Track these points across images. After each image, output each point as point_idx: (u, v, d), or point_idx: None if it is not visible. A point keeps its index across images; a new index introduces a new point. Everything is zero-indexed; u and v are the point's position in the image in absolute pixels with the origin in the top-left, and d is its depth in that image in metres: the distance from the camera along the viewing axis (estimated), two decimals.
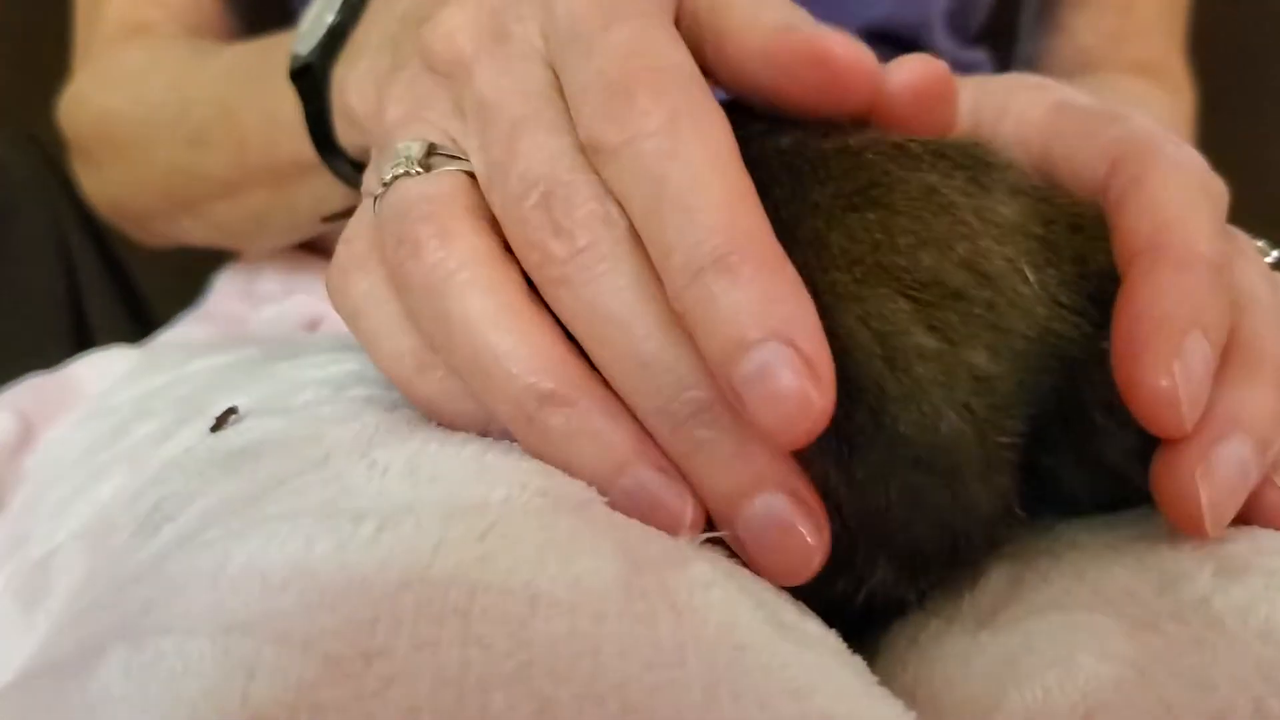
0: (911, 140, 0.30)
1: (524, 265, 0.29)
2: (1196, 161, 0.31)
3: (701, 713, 0.22)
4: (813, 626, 0.27)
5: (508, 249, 0.29)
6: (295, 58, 0.44)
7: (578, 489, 0.27)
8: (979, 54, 0.69)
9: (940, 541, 0.27)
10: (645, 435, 0.28)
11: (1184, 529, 0.28)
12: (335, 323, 0.56)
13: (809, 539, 0.27)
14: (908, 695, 0.27)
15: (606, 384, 0.28)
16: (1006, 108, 0.34)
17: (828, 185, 0.29)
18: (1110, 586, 0.29)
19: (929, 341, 0.27)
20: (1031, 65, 0.70)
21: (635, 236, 0.27)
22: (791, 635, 0.25)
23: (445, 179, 0.30)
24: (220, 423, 0.35)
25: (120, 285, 0.72)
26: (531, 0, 0.31)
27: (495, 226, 0.30)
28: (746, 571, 0.27)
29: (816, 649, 0.26)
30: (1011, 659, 0.27)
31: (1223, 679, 0.25)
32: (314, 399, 0.35)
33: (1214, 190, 0.31)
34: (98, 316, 0.70)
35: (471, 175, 0.30)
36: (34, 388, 0.50)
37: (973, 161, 0.30)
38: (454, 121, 0.31)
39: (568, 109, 0.29)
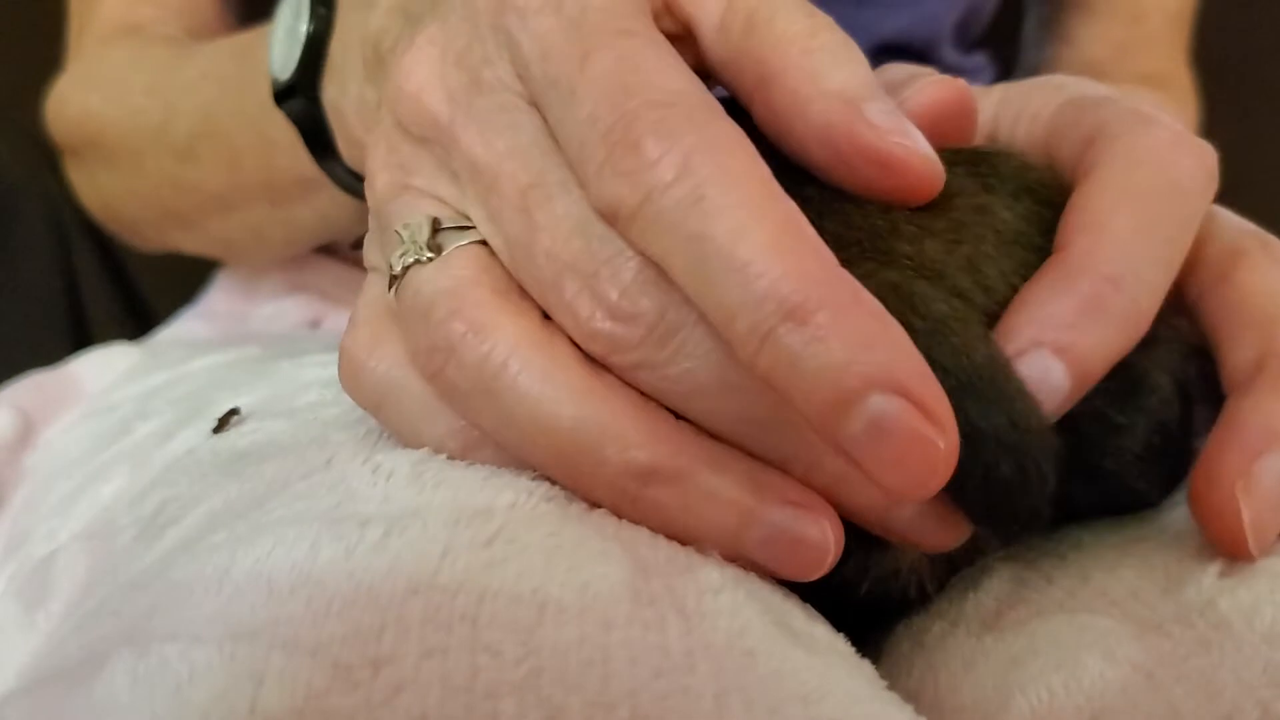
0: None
1: (588, 352, 0.26)
2: (1161, 148, 0.29)
3: None
4: (821, 631, 0.27)
5: (546, 315, 0.27)
6: (276, 81, 0.42)
7: None
8: (979, 59, 0.69)
9: (1011, 467, 0.26)
10: (763, 470, 0.26)
11: (1225, 549, 0.27)
12: (337, 321, 0.56)
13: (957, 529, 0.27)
14: (912, 698, 0.27)
15: (701, 433, 0.26)
16: (1022, 111, 0.33)
17: (827, 183, 0.28)
18: (1115, 588, 0.28)
19: (939, 294, 0.26)
20: (1035, 75, 0.69)
21: None
22: (801, 640, 0.25)
23: (459, 261, 0.27)
24: (223, 424, 0.35)
25: (120, 282, 0.71)
26: (494, 34, 0.28)
27: (526, 295, 0.27)
28: (755, 576, 0.27)
29: (826, 654, 0.26)
30: (1016, 662, 0.27)
31: (1229, 683, 0.25)
32: (317, 400, 0.35)
33: (1181, 181, 0.29)
34: (97, 314, 0.69)
35: (484, 242, 0.28)
36: (34, 385, 0.50)
37: (977, 159, 0.30)
38: (444, 185, 0.29)
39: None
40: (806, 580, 0.26)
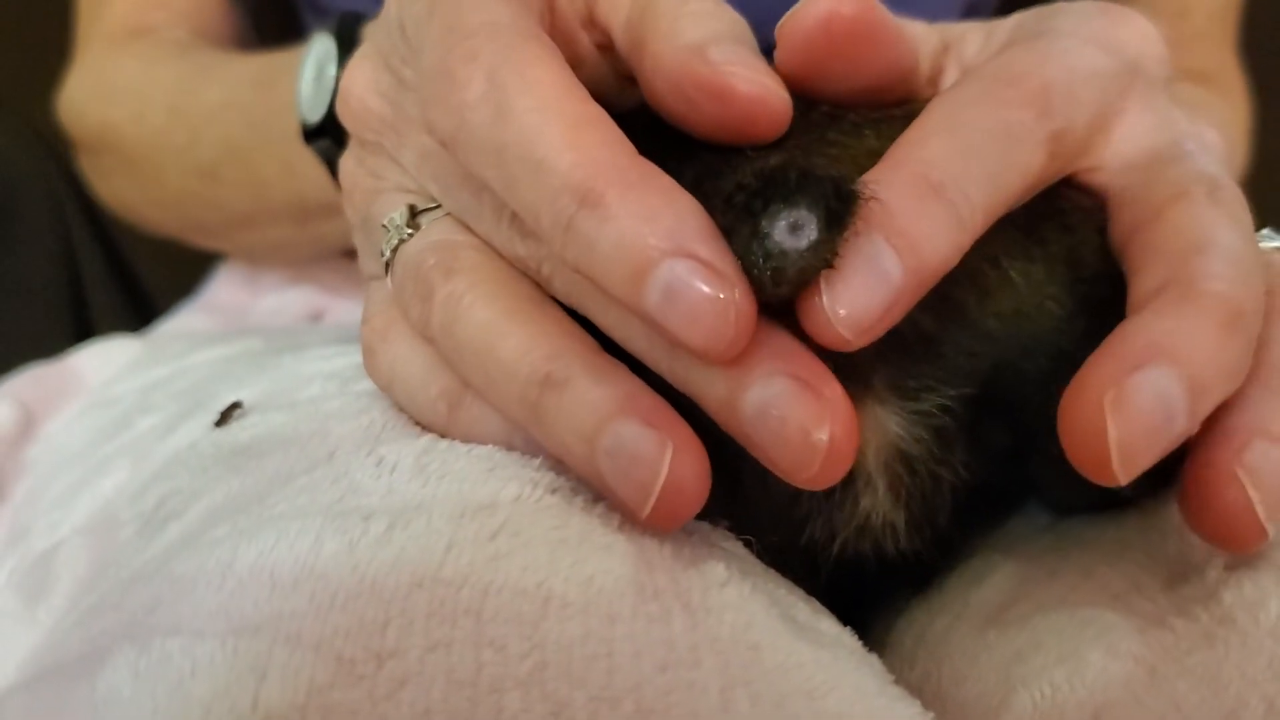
0: (852, 111, 0.29)
1: (531, 277, 0.28)
2: (998, 96, 0.27)
3: (717, 714, 0.22)
4: (828, 625, 0.27)
5: None
6: (305, 122, 0.44)
7: (588, 485, 0.27)
8: None
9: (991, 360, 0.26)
10: (641, 390, 0.25)
11: (1088, 471, 0.24)
12: (339, 314, 0.56)
13: (812, 429, 0.23)
14: (915, 692, 0.27)
15: (602, 351, 0.26)
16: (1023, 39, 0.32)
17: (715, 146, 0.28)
18: (1118, 582, 0.28)
19: None
20: None
21: None
22: (807, 634, 0.25)
23: (436, 227, 0.29)
24: (225, 418, 0.35)
25: (122, 274, 0.71)
26: (400, 33, 0.30)
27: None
28: (761, 568, 0.27)
29: (832, 648, 0.26)
30: (1019, 656, 0.27)
31: (1233, 677, 0.25)
32: (319, 393, 0.35)
33: (1011, 127, 0.27)
34: (99, 305, 0.69)
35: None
36: (35, 378, 0.50)
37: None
38: (407, 178, 0.31)
39: None
40: (653, 521, 0.25)
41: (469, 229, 0.29)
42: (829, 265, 0.23)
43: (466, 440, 0.29)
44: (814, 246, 0.23)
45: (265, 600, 0.24)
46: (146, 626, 0.24)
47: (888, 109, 0.30)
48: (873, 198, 0.24)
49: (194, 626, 0.24)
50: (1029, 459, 0.30)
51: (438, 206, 0.30)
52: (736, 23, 0.28)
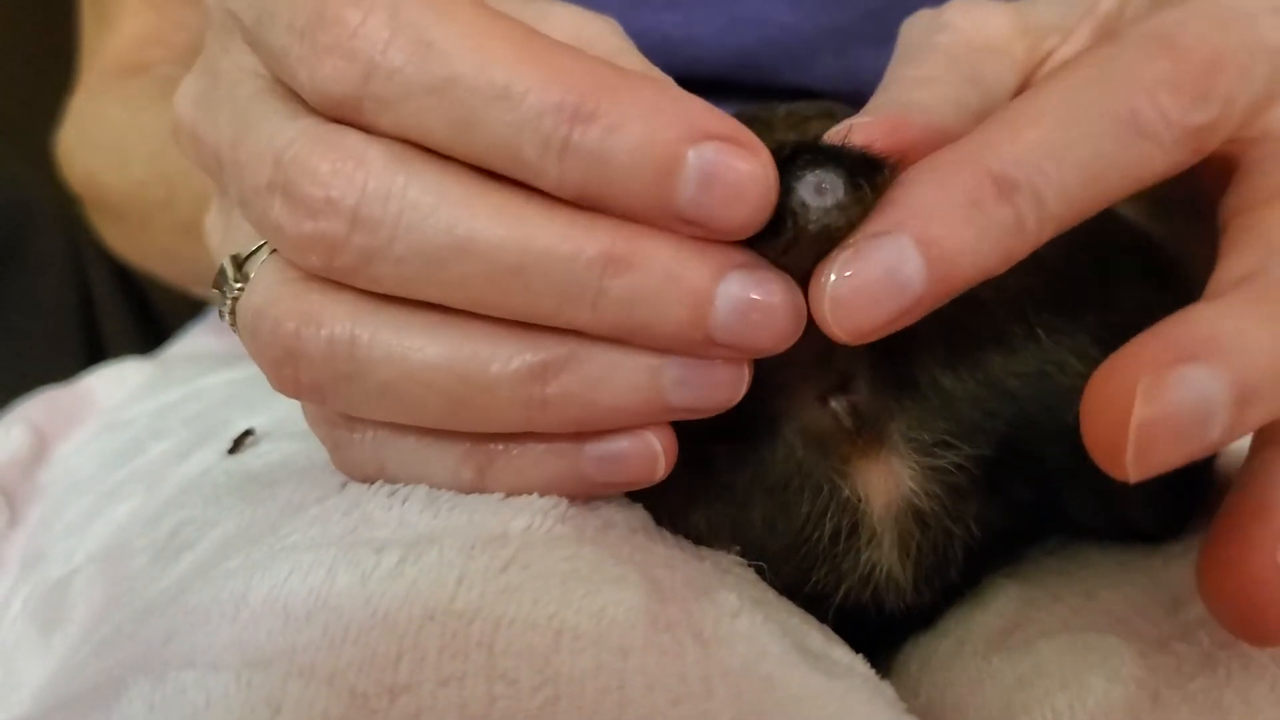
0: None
1: (305, 269, 0.25)
2: (1143, 76, 0.23)
3: None
4: (840, 653, 0.27)
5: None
6: None
7: (598, 515, 0.27)
8: None
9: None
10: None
11: (1100, 457, 0.22)
12: None
13: (781, 317, 0.23)
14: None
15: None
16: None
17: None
18: (1121, 606, 0.28)
19: None
20: None
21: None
22: (819, 664, 0.25)
23: (262, 274, 0.26)
24: (237, 445, 0.36)
25: (132, 296, 0.72)
26: (223, 19, 0.27)
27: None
28: (773, 598, 0.27)
29: (845, 677, 0.26)
30: (1023, 682, 0.28)
31: (1235, 702, 0.25)
32: None
33: (1143, 121, 0.23)
34: (110, 327, 0.70)
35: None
36: (48, 401, 0.50)
37: None
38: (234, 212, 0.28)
39: None
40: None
41: (295, 265, 0.25)
42: (851, 229, 0.23)
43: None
44: (839, 206, 0.23)
45: (279, 632, 0.24)
46: (161, 658, 0.25)
47: None
48: (898, 164, 0.24)
49: (208, 659, 0.24)
50: (1056, 493, 0.30)
51: (261, 246, 0.27)
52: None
